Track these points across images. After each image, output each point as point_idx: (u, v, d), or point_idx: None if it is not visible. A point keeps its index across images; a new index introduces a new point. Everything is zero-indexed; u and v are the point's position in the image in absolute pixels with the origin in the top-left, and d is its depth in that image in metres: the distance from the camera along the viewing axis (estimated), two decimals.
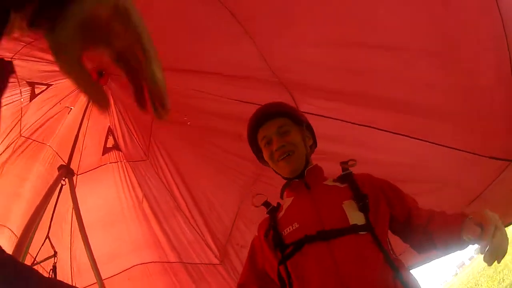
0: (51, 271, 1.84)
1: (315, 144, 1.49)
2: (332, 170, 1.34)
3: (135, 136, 2.67)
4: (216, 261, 2.73)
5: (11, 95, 2.28)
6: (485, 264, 0.91)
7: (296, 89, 1.88)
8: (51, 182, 1.90)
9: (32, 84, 2.28)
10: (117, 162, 2.71)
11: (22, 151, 2.52)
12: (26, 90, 2.32)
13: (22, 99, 2.34)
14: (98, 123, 2.58)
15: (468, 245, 1.01)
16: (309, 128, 1.47)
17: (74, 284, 2.70)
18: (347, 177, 1.32)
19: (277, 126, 1.36)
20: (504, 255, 0.89)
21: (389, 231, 1.24)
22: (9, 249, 1.30)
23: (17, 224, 2.57)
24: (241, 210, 2.53)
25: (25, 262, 1.56)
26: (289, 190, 1.38)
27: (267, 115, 1.40)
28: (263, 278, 1.29)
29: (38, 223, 1.65)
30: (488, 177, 1.93)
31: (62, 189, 1.95)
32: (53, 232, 2.00)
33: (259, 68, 1.83)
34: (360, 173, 1.34)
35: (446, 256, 1.29)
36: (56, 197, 1.91)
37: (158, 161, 2.66)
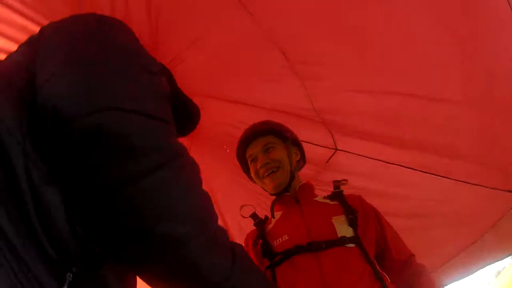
0: None
1: (303, 159, 1.55)
2: None
3: None
4: None
5: None
6: None
7: (335, 129, 2.01)
8: None
9: None
10: None
11: None
12: None
13: None
14: None
15: None
16: (296, 143, 1.53)
17: None
18: (337, 195, 1.37)
19: (262, 144, 1.43)
20: None
21: None
22: None
23: None
24: None
25: None
26: (279, 204, 1.41)
27: (254, 134, 1.48)
28: None
29: None
30: (504, 208, 2.06)
31: None
32: None
33: (303, 107, 1.95)
34: (350, 193, 1.40)
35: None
36: None
37: None
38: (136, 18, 1.78)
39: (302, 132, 1.96)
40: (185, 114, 1.08)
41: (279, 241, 1.24)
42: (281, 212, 1.37)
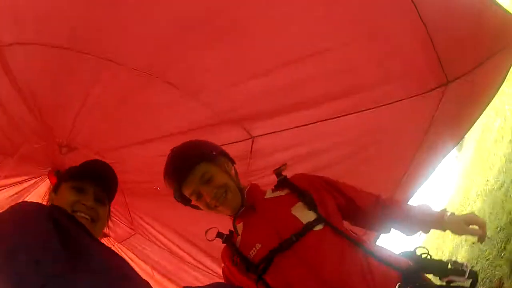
0: None
1: (232, 162, 1.47)
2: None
3: (116, 217, 2.70)
4: None
5: None
6: None
7: (243, 120, 2.07)
8: None
9: None
10: (111, 246, 2.73)
11: None
12: None
13: None
14: None
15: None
16: (223, 154, 1.45)
17: None
18: (284, 182, 1.37)
19: (198, 177, 1.32)
20: None
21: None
22: None
23: None
24: None
25: None
26: (238, 218, 1.38)
27: (182, 170, 1.34)
28: None
29: None
30: (431, 109, 2.18)
31: None
32: None
33: (206, 116, 2.00)
34: (294, 174, 1.41)
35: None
36: None
37: (145, 228, 2.71)
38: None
39: (216, 138, 2.01)
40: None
41: (254, 251, 1.25)
42: (241, 223, 1.36)
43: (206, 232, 1.42)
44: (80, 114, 1.97)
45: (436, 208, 1.34)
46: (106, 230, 1.45)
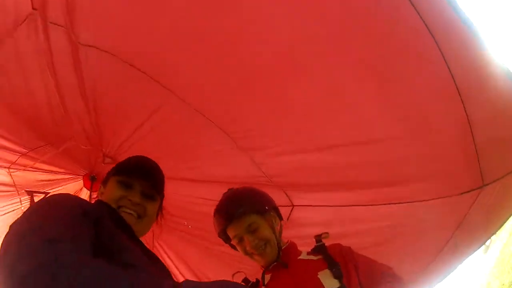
0: None
1: (280, 218, 1.59)
2: None
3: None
4: None
5: (12, 203, 2.38)
6: None
7: (288, 187, 2.19)
8: None
9: (30, 193, 2.37)
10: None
11: None
12: (25, 199, 2.42)
13: (22, 207, 2.45)
14: None
15: None
16: (275, 208, 1.58)
17: None
18: (320, 249, 1.47)
19: (246, 225, 1.44)
20: None
21: None
22: None
23: None
24: None
25: None
26: (268, 271, 1.48)
27: (235, 214, 1.45)
28: None
29: None
30: (463, 210, 2.17)
31: None
32: None
33: (254, 175, 2.12)
34: (332, 244, 1.50)
35: None
36: None
37: (163, 258, 2.79)
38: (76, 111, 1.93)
39: None
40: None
41: None
42: (270, 274, 1.47)
43: (233, 275, 1.53)
44: (133, 135, 2.10)
45: None
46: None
